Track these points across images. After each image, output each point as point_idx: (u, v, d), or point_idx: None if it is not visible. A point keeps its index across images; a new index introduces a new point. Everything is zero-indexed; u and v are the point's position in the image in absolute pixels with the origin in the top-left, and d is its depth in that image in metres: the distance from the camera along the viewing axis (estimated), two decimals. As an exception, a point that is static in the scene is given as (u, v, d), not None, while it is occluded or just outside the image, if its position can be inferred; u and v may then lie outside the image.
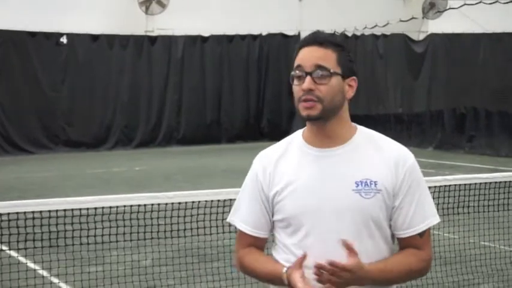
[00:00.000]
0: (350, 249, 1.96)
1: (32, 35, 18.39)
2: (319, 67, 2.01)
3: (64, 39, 18.79)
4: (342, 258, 1.96)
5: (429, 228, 2.11)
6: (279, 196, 2.08)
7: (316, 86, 2.01)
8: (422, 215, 2.08)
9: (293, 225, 2.07)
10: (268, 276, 2.14)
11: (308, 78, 2.01)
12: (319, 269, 1.94)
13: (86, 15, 18.87)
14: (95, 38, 19.26)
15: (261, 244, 2.20)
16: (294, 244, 2.07)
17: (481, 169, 11.43)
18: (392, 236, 2.13)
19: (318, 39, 2.05)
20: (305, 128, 2.14)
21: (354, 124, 2.14)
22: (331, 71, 2.02)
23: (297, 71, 2.04)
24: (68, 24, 18.53)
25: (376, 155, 2.07)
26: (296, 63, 2.05)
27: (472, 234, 5.92)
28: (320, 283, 1.96)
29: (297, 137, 2.14)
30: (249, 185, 2.18)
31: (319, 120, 2.04)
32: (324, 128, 2.06)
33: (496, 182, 5.68)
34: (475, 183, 5.55)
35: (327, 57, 2.02)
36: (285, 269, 2.05)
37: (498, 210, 5.94)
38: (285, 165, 2.10)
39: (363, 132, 2.12)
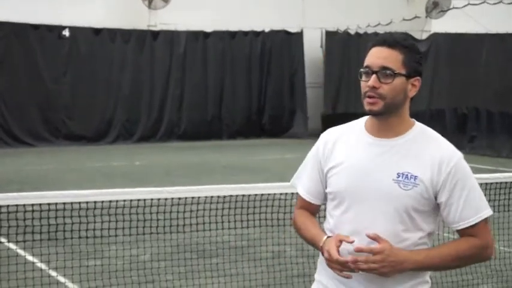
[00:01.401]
0: (377, 239, 2.15)
1: (35, 27, 18.38)
2: (385, 68, 2.20)
3: (66, 32, 18.77)
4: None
5: (485, 220, 2.28)
6: (331, 171, 2.32)
7: (380, 85, 2.20)
8: (473, 210, 2.24)
9: (337, 199, 2.31)
10: (309, 238, 2.38)
11: (374, 77, 2.21)
12: (354, 262, 2.14)
13: (88, 8, 18.86)
14: (97, 31, 19.23)
15: (313, 209, 2.45)
16: (335, 216, 2.31)
17: (482, 170, 11.40)
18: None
19: (387, 40, 2.23)
20: (368, 117, 2.35)
21: (413, 120, 2.31)
22: (395, 71, 2.20)
23: (365, 69, 2.24)
24: (70, 17, 18.51)
25: (424, 151, 2.23)
26: (366, 61, 2.25)
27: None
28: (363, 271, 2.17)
29: (359, 123, 2.36)
30: (313, 155, 2.42)
31: (380, 115, 2.24)
32: (384, 121, 2.25)
33: (496, 183, 5.68)
34: (476, 184, 5.53)
35: (393, 58, 2.20)
36: (325, 237, 2.28)
37: (498, 211, 5.93)
38: (343, 145, 2.32)
39: (418, 129, 2.29)
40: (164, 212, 4.95)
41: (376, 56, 2.22)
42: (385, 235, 2.17)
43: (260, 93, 21.45)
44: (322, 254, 2.26)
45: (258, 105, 21.42)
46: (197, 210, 5.09)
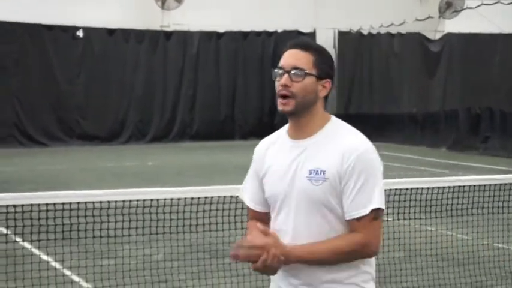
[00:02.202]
0: (264, 232, 2.26)
1: (49, 28, 18.51)
2: (296, 68, 2.33)
3: (80, 33, 18.89)
4: (301, 235, 2.29)
5: (372, 215, 2.27)
6: (264, 178, 2.45)
7: (292, 83, 2.32)
8: (361, 202, 2.27)
9: (271, 204, 2.43)
10: None
11: (285, 76, 2.33)
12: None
13: (102, 9, 18.95)
14: (111, 32, 19.34)
15: (262, 218, 2.49)
16: (272, 219, 2.43)
17: (495, 170, 11.34)
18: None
19: (299, 43, 2.39)
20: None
21: (329, 118, 2.41)
22: (306, 71, 2.33)
23: (278, 69, 2.36)
24: (84, 18, 18.63)
25: (332, 146, 2.33)
26: (280, 63, 2.37)
27: (486, 235, 5.88)
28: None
29: (284, 129, 2.47)
30: (252, 166, 2.53)
31: (293, 115, 2.35)
32: (298, 121, 2.37)
33: (510, 184, 5.64)
34: (489, 185, 5.52)
35: (304, 59, 2.34)
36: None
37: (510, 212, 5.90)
38: (271, 153, 2.45)
39: (332, 125, 2.38)
40: (177, 212, 4.96)
41: (289, 57, 2.35)
42: (312, 231, 2.28)
43: (272, 94, 21.03)
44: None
45: (271, 105, 21.40)
46: (210, 210, 5.09)
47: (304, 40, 2.45)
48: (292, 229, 2.32)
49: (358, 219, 2.27)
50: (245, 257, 2.25)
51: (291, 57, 2.35)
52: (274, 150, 2.43)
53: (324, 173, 2.28)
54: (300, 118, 2.35)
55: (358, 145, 2.30)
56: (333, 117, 2.41)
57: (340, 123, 2.39)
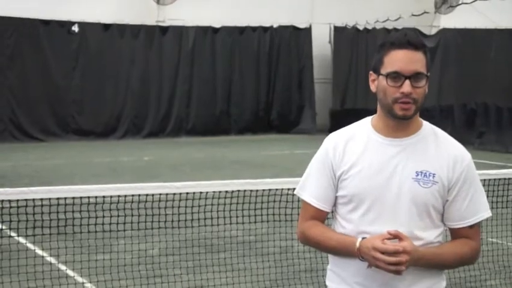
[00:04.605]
0: (398, 236, 2.14)
1: (45, 23, 18.48)
2: (418, 73, 2.16)
3: (76, 28, 18.86)
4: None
5: (480, 221, 2.32)
6: (345, 175, 2.28)
7: (414, 89, 2.16)
8: (474, 210, 2.28)
9: (354, 202, 2.26)
10: (337, 247, 2.29)
11: (408, 83, 2.15)
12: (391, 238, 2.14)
13: (97, 4, 18.92)
14: (106, 27, 19.32)
15: (322, 217, 2.38)
16: (354, 219, 2.27)
17: (490, 165, 11.39)
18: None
19: (412, 42, 2.17)
20: (374, 115, 2.32)
21: (420, 119, 2.31)
22: (427, 75, 2.19)
23: (395, 74, 2.16)
24: (79, 13, 18.59)
25: (438, 150, 2.25)
26: (392, 66, 2.16)
27: (480, 230, 5.89)
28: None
29: (365, 123, 2.33)
30: (319, 161, 2.35)
31: (410, 119, 2.22)
32: (403, 122, 2.23)
33: (505, 179, 5.66)
34: (484, 180, 5.50)
35: (422, 61, 2.18)
36: (360, 239, 2.21)
37: (506, 207, 5.91)
38: (353, 147, 2.28)
39: (428, 127, 2.30)
40: (172, 207, 4.97)
41: (407, 61, 2.16)
42: (406, 234, 2.17)
43: (268, 89, 21.47)
44: (359, 258, 2.20)
45: (266, 100, 21.44)
46: (205, 205, 5.10)
47: (414, 37, 2.21)
48: (385, 230, 2.17)
49: (471, 226, 2.28)
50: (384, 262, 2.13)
51: (410, 60, 2.15)
52: (358, 144, 2.29)
53: (433, 176, 2.21)
54: (409, 120, 2.23)
55: (466, 153, 2.27)
56: (422, 119, 2.32)
57: (434, 126, 2.31)
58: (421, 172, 2.22)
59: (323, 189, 2.34)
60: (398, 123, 2.24)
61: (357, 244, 2.20)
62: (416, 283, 2.25)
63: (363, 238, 2.21)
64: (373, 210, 2.24)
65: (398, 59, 2.16)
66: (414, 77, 2.16)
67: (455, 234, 2.30)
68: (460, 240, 2.29)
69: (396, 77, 2.16)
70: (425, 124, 2.31)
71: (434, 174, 2.22)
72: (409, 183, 2.21)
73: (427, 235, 2.25)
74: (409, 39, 2.17)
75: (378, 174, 2.23)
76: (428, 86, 2.24)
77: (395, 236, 2.14)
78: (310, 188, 2.37)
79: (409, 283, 2.23)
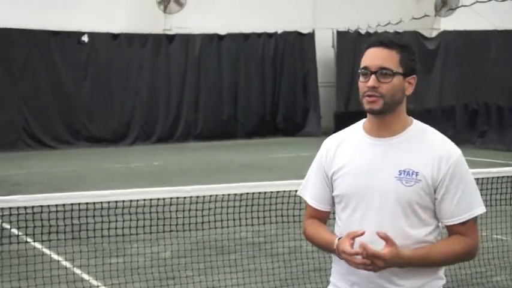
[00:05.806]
0: (386, 239, 2.16)
1: (55, 33, 18.70)
2: (383, 68, 2.23)
3: (85, 38, 19.07)
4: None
5: (475, 218, 2.30)
6: (336, 175, 2.37)
7: (380, 84, 2.23)
8: (466, 207, 2.27)
9: (344, 202, 2.35)
10: (323, 244, 2.39)
11: (373, 77, 2.24)
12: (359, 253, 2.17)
13: (106, 14, 19.16)
14: (115, 36, 19.53)
15: (322, 217, 2.47)
16: (343, 218, 2.35)
17: (493, 164, 11.40)
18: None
19: (383, 41, 2.26)
20: (366, 119, 2.39)
21: (410, 118, 2.36)
22: (394, 71, 2.24)
23: (363, 70, 2.26)
24: (89, 24, 18.81)
25: (423, 148, 2.27)
26: (363, 62, 2.27)
27: (484, 227, 5.96)
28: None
29: (358, 126, 2.40)
30: (316, 164, 2.46)
31: (379, 114, 2.27)
32: (382, 120, 2.29)
33: (507, 176, 5.76)
34: (487, 178, 5.62)
35: (390, 58, 2.24)
36: (337, 239, 2.30)
37: (510, 204, 6.00)
38: (344, 149, 2.36)
39: (417, 126, 2.33)
40: (183, 210, 5.05)
41: (374, 57, 2.24)
42: (393, 232, 2.19)
43: (274, 93, 21.59)
44: (338, 257, 2.28)
45: (272, 105, 21.55)
46: (215, 208, 5.17)
47: (387, 37, 2.30)
48: (370, 228, 2.21)
49: (463, 223, 2.26)
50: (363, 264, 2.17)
51: (376, 56, 2.24)
52: (348, 146, 2.36)
53: (417, 175, 2.22)
54: (385, 116, 2.28)
55: (453, 151, 2.27)
56: (413, 119, 2.35)
57: (424, 125, 2.34)
58: (404, 171, 2.24)
59: (319, 189, 2.43)
60: (380, 122, 2.30)
61: (334, 246, 2.28)
62: (408, 281, 2.26)
63: (339, 239, 2.28)
64: (359, 210, 2.29)
65: (367, 56, 2.27)
66: (380, 72, 2.22)
67: (450, 230, 2.31)
68: (454, 237, 2.28)
69: (365, 72, 2.25)
70: (415, 123, 2.34)
71: (417, 172, 2.23)
72: (392, 183, 2.24)
73: (416, 233, 2.26)
74: (381, 39, 2.27)
75: (363, 174, 2.29)
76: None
77: (384, 239, 2.16)
78: (309, 188, 2.48)
79: (401, 281, 2.24)
